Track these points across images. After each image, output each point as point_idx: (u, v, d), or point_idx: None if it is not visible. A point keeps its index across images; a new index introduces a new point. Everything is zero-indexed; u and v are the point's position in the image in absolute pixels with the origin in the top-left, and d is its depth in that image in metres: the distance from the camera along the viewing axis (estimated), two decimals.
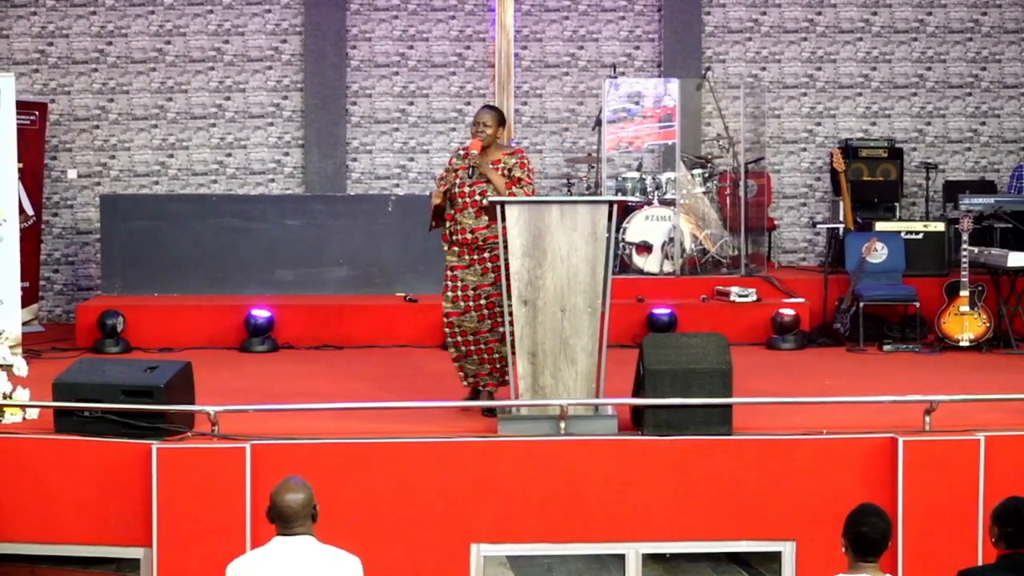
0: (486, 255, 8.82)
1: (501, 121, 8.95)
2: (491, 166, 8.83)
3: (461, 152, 9.00)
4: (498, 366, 8.95)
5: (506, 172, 8.83)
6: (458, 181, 8.86)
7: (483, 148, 8.83)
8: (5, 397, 8.52)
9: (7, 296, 10.99)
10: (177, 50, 14.77)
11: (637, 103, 14.26)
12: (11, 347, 9.17)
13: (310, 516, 5.84)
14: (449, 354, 9.15)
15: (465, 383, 9.12)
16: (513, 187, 8.79)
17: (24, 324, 12.05)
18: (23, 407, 8.50)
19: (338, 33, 14.83)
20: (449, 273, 8.95)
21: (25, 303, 12.41)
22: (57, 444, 8.04)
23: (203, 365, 9.32)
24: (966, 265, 11.89)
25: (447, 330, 8.99)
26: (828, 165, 14.80)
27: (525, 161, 8.98)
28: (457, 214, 8.85)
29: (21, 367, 8.72)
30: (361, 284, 13.17)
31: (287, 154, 14.93)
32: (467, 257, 8.87)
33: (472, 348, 8.94)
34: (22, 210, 12.70)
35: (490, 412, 8.70)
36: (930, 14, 15.28)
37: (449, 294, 8.93)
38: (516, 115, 13.62)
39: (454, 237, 8.90)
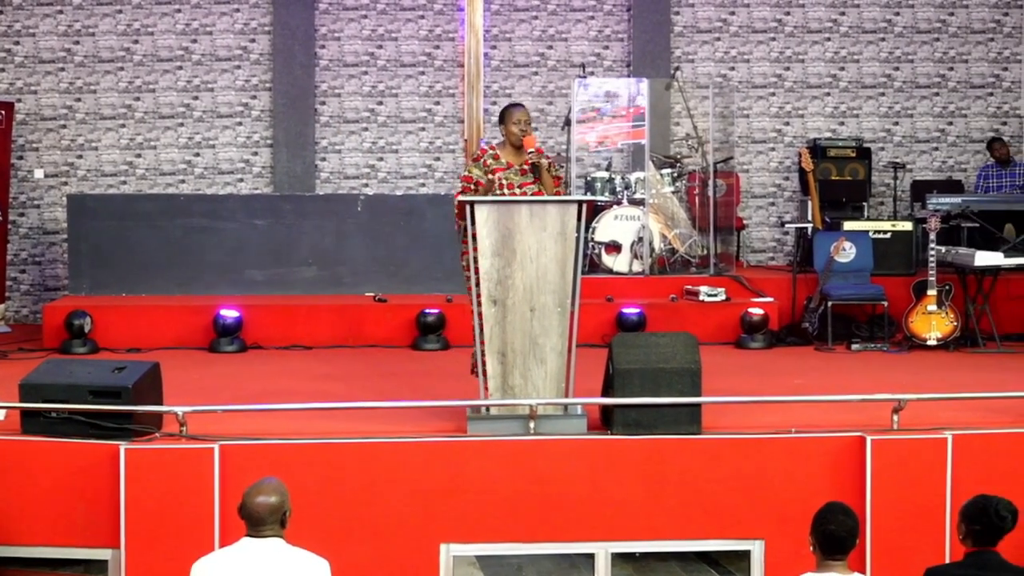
0: None
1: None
2: (525, 166, 8.63)
3: (492, 152, 8.69)
4: None
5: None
6: (505, 181, 8.60)
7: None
8: None
9: None
10: (145, 49, 14.71)
11: (607, 103, 14.26)
12: None
13: (279, 521, 5.80)
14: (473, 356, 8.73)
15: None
16: (558, 185, 8.68)
17: None
18: None
19: (307, 32, 14.80)
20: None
21: None
22: (24, 445, 7.98)
23: (171, 366, 9.28)
24: (933, 264, 11.93)
25: None
26: (796, 165, 14.84)
27: (552, 157, 8.92)
28: None
29: None
30: (330, 284, 13.12)
31: (256, 154, 14.89)
32: None
33: None
34: None
35: None
36: (898, 14, 15.34)
37: None
38: (485, 115, 13.61)
39: None
